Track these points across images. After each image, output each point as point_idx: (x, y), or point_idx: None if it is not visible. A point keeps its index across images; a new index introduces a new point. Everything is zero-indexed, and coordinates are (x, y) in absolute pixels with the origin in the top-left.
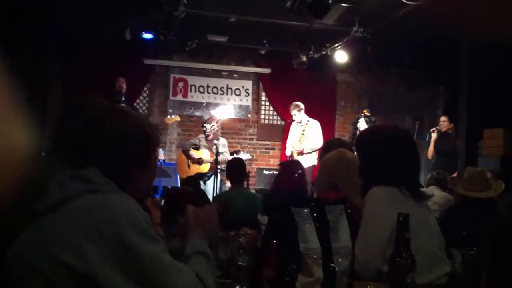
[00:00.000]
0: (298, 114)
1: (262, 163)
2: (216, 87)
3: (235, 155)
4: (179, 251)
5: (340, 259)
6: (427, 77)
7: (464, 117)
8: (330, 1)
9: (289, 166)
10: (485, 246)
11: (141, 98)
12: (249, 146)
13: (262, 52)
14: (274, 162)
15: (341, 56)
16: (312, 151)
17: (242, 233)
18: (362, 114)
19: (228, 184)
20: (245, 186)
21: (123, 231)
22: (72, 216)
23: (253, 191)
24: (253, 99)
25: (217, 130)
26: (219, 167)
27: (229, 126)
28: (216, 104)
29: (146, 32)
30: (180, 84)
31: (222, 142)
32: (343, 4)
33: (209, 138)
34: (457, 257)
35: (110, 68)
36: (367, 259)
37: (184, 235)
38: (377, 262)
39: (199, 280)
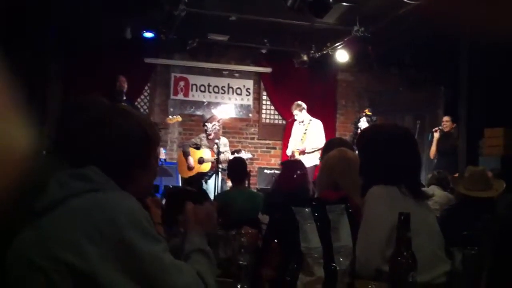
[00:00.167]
0: (300, 113)
1: (263, 162)
2: (217, 86)
3: (236, 155)
4: (180, 249)
5: (341, 259)
6: (427, 77)
7: (464, 117)
8: (331, 0)
9: (291, 165)
10: (485, 246)
11: (142, 97)
12: (250, 146)
13: (263, 51)
14: (275, 162)
15: (342, 56)
16: (314, 151)
17: (243, 232)
18: (364, 114)
19: (229, 183)
20: (246, 185)
21: (124, 230)
22: (72, 215)
23: (254, 190)
24: (254, 98)
25: (218, 130)
26: (220, 166)
27: (230, 125)
28: (217, 103)
29: (147, 31)
30: (181, 83)
31: (223, 142)
32: (344, 3)
33: (210, 137)
34: (458, 256)
35: (111, 67)
36: (367, 258)
37: (184, 233)
38: (378, 261)
39: (200, 278)
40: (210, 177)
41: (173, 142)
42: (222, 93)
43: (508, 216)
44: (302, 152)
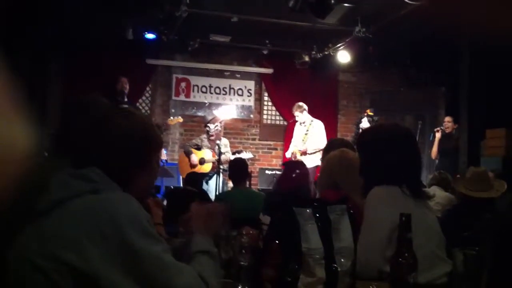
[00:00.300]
0: (301, 115)
1: (264, 163)
2: (218, 87)
3: (237, 155)
4: (181, 250)
5: (342, 259)
6: (428, 77)
7: (466, 117)
8: (332, 1)
9: (293, 166)
10: (486, 246)
11: (144, 98)
12: (251, 146)
13: (265, 52)
14: (277, 162)
15: (343, 56)
16: (316, 152)
17: (244, 232)
18: (365, 114)
19: (230, 184)
20: (247, 186)
21: (124, 231)
22: (73, 216)
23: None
24: (256, 99)
25: (220, 130)
26: (221, 167)
27: (232, 126)
28: (219, 104)
29: (148, 32)
30: (183, 84)
31: (224, 142)
32: (345, 4)
33: (212, 138)
34: (459, 257)
35: (113, 68)
36: (368, 259)
37: (188, 233)
38: (379, 261)
39: (202, 280)
40: (211, 177)
41: (174, 143)
42: (223, 94)
43: (508, 216)
44: (304, 153)
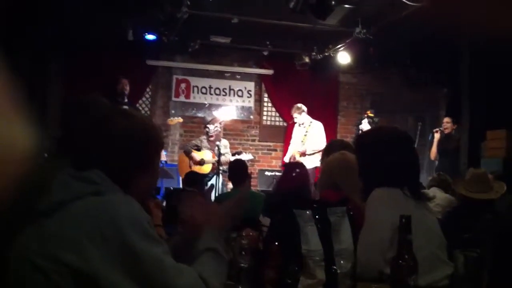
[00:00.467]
0: (300, 116)
1: (264, 164)
2: (218, 88)
3: (237, 156)
4: (180, 247)
5: (342, 261)
6: (429, 78)
7: (466, 119)
8: (333, 2)
9: (293, 167)
10: (486, 247)
11: (144, 99)
12: (251, 147)
13: (265, 53)
14: (276, 164)
15: (343, 57)
16: (315, 153)
17: (244, 234)
18: (366, 115)
19: (230, 185)
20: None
21: (125, 232)
22: (74, 217)
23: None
24: (256, 100)
25: (220, 131)
26: (221, 168)
27: (231, 127)
28: (219, 105)
29: (148, 33)
30: (183, 85)
31: (224, 143)
32: (346, 5)
33: (212, 139)
34: (460, 259)
35: (113, 68)
36: (368, 260)
37: (191, 235)
38: (379, 263)
39: (202, 281)
40: (210, 178)
41: (174, 144)
42: (223, 95)
43: (508, 217)
44: (303, 154)
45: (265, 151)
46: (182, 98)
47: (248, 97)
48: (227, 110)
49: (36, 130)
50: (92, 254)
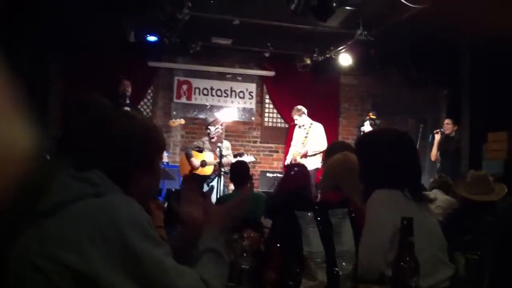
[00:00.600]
0: (300, 118)
1: (266, 165)
2: (220, 90)
3: (238, 158)
4: (183, 252)
5: (343, 263)
6: (430, 80)
7: (467, 121)
8: (334, 4)
9: (294, 168)
10: (487, 249)
11: (145, 100)
12: (252, 149)
13: (266, 54)
14: (278, 165)
15: (345, 59)
16: (316, 154)
17: (245, 235)
18: (368, 117)
19: (231, 186)
20: (250, 186)
21: (125, 233)
22: (75, 218)
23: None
24: (257, 102)
25: (221, 133)
26: (222, 169)
27: (233, 128)
28: (220, 107)
29: (150, 35)
30: (184, 87)
31: (226, 145)
32: (347, 7)
33: (213, 140)
34: (461, 261)
35: (114, 69)
36: (370, 262)
37: (192, 236)
38: (380, 264)
39: (203, 282)
40: (212, 180)
41: (176, 145)
42: (225, 96)
43: (509, 219)
44: (304, 155)
45: (267, 153)
46: (183, 100)
47: (249, 98)
48: (229, 112)
49: (36, 130)
50: (92, 255)
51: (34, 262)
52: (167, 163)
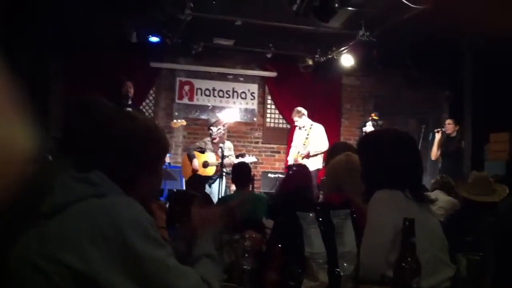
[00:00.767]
0: (300, 120)
1: (267, 166)
2: (222, 91)
3: (240, 158)
4: (184, 253)
5: (345, 264)
6: (432, 80)
7: (469, 121)
8: (336, 5)
9: (296, 169)
10: (489, 250)
11: (147, 101)
12: (254, 150)
13: (268, 55)
14: (279, 166)
15: (347, 60)
16: (317, 154)
17: (247, 236)
18: (370, 118)
19: (233, 187)
20: (250, 189)
21: (127, 234)
22: (76, 219)
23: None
24: (259, 103)
25: (223, 134)
26: (224, 170)
27: (235, 129)
28: (222, 108)
29: (152, 35)
30: (186, 87)
31: (228, 146)
32: (349, 8)
33: (215, 141)
34: (462, 262)
35: (116, 70)
36: (371, 263)
37: (192, 238)
38: (382, 265)
39: (205, 283)
40: (214, 181)
41: (178, 146)
42: (226, 97)
43: (510, 219)
44: (306, 156)
45: (269, 153)
46: (185, 100)
47: (251, 99)
48: (231, 112)
49: (36, 130)
50: (93, 256)
51: (34, 262)
52: (169, 163)
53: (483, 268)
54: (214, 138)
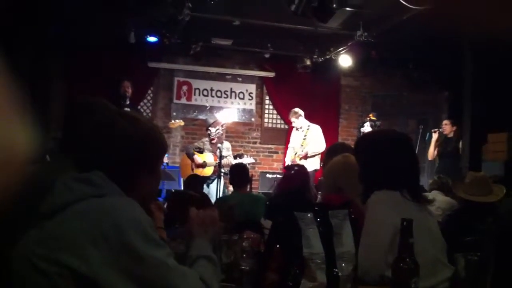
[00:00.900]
0: (297, 120)
1: (265, 166)
2: (220, 91)
3: (238, 159)
4: (183, 254)
5: (343, 264)
6: (431, 81)
7: (468, 122)
8: (334, 5)
9: (294, 170)
10: (487, 250)
11: (145, 101)
12: (252, 150)
13: (266, 55)
14: (277, 166)
15: (345, 60)
16: (315, 155)
17: (245, 237)
18: (368, 118)
19: (231, 187)
20: (248, 190)
21: (127, 235)
22: (76, 219)
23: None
24: (257, 103)
25: (222, 134)
26: (222, 170)
27: (233, 129)
28: (220, 108)
29: (150, 35)
30: (184, 87)
31: (226, 146)
32: (348, 8)
33: (214, 141)
34: (461, 262)
35: (114, 70)
36: (369, 264)
37: (189, 238)
38: (380, 266)
39: (204, 283)
40: (212, 181)
41: (176, 146)
42: (225, 97)
43: (509, 220)
44: (304, 157)
45: (267, 154)
46: (183, 100)
47: (249, 99)
48: (229, 113)
49: (37, 131)
50: (93, 257)
51: (34, 262)
52: (167, 164)
53: (482, 268)
54: (213, 139)
